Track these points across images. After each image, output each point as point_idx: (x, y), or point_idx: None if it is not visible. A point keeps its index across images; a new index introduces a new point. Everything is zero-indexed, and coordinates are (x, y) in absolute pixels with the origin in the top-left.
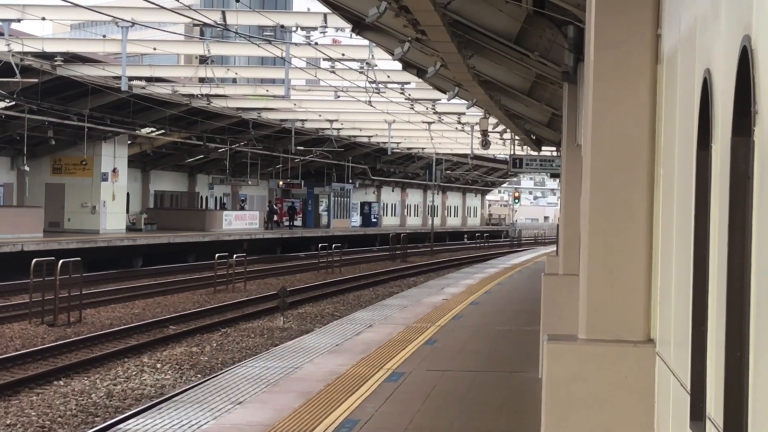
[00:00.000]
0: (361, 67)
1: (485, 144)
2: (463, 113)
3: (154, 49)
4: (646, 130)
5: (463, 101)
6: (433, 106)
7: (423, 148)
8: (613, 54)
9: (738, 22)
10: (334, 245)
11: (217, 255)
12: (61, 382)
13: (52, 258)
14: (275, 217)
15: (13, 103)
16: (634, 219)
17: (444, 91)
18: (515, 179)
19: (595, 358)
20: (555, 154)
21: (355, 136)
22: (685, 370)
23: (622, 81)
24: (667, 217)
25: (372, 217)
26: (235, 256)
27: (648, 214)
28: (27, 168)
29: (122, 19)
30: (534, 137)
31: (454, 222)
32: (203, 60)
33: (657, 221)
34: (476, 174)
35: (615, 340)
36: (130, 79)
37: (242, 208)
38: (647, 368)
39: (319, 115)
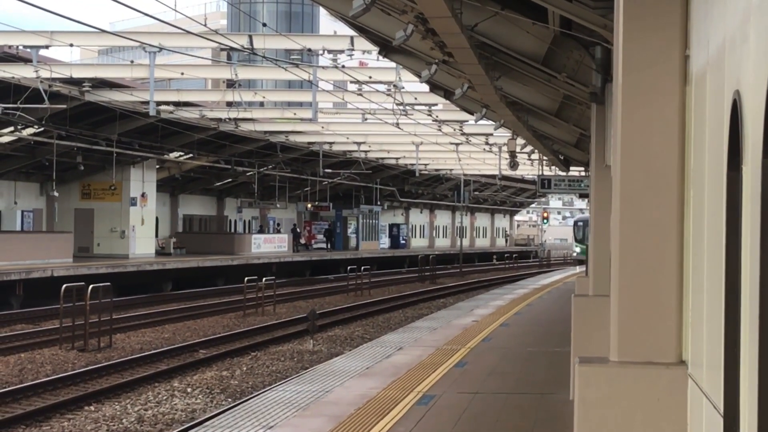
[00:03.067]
0: (389, 90)
1: (513, 165)
2: (491, 134)
3: (182, 73)
4: (675, 151)
5: (491, 122)
6: (461, 127)
7: (451, 170)
8: (642, 75)
9: (767, 43)
10: (362, 267)
11: (246, 278)
12: (92, 408)
13: (82, 283)
14: (302, 240)
15: (42, 129)
16: (665, 240)
17: (471, 113)
18: (543, 199)
19: (627, 380)
20: (583, 174)
21: (382, 158)
22: (718, 392)
23: (651, 102)
24: (698, 238)
25: (400, 238)
26: (264, 279)
27: (678, 235)
28: (56, 193)
29: (149, 45)
30: (562, 158)
31: (482, 243)
32: (231, 84)
33: (688, 242)
34: (504, 195)
35: (647, 362)
36: (158, 103)
37: (278, 231)
38: (679, 390)
39: (347, 138)
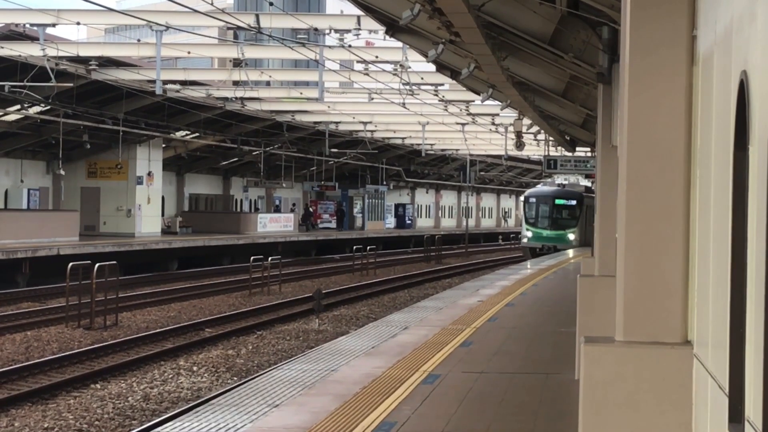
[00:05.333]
0: (395, 69)
1: (519, 145)
2: (497, 114)
3: (189, 52)
4: (682, 131)
5: (497, 102)
6: (467, 107)
7: (457, 150)
8: (649, 55)
9: None
10: (368, 247)
11: (252, 257)
12: (98, 386)
13: (88, 261)
14: (310, 219)
15: (49, 107)
16: (671, 220)
17: (478, 93)
18: (549, 180)
19: (633, 359)
20: (589, 154)
21: (389, 138)
22: (723, 371)
23: (658, 82)
24: (704, 218)
25: (406, 218)
26: (270, 258)
27: (685, 215)
28: (62, 172)
29: (156, 23)
30: (568, 138)
31: (488, 223)
32: (237, 63)
33: (694, 222)
34: (510, 175)
35: (652, 341)
36: (165, 82)
37: (292, 210)
38: (685, 370)
39: (353, 117)
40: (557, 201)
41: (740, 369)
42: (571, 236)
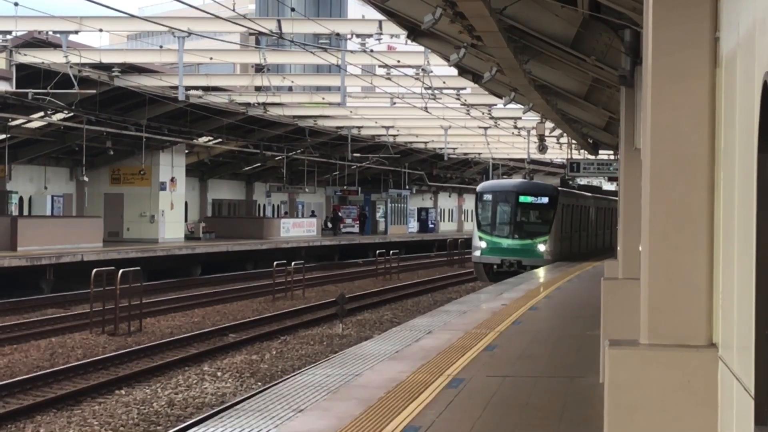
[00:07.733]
0: (417, 74)
1: (542, 148)
2: (520, 118)
3: (211, 58)
4: (705, 134)
5: (520, 106)
6: (489, 111)
7: (479, 154)
8: (671, 58)
9: None
10: (391, 251)
11: (275, 263)
12: (123, 392)
13: (112, 267)
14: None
15: (72, 114)
16: (695, 222)
17: (500, 96)
18: (572, 183)
19: (657, 362)
20: (612, 157)
21: (411, 143)
22: (749, 374)
23: (681, 85)
24: (728, 220)
25: (429, 222)
26: (293, 263)
27: (709, 218)
28: (86, 178)
29: (178, 30)
30: (591, 141)
31: None
32: (259, 69)
33: (718, 224)
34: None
35: (677, 344)
36: (187, 88)
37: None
38: (710, 373)
39: (375, 122)
40: (522, 198)
41: (766, 371)
42: (542, 247)
